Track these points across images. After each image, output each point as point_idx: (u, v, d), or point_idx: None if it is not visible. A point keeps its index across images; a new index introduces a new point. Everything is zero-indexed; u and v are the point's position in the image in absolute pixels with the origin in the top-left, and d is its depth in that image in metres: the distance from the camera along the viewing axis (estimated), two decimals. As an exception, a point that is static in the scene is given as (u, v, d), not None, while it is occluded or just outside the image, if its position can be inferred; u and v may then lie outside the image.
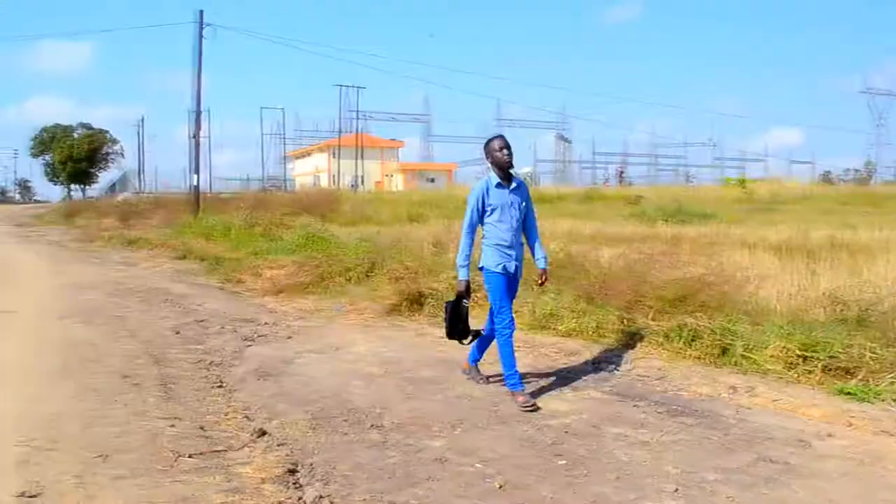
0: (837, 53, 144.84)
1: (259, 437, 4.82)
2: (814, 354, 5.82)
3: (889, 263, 9.92)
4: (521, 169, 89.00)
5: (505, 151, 5.47)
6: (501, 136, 5.61)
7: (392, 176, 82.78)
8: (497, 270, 5.50)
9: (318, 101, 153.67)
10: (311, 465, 4.33)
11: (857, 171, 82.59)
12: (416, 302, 9.07)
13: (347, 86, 78.10)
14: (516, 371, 5.57)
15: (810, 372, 5.74)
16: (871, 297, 7.03)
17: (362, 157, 75.79)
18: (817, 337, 6.02)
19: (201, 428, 4.98)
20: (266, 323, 8.83)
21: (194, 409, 5.43)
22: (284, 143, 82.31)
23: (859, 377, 5.50)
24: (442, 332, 8.07)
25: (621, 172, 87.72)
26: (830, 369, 5.72)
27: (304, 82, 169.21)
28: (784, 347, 5.97)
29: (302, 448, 4.61)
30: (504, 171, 5.52)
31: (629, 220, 23.15)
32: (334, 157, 76.64)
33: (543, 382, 6.05)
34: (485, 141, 5.64)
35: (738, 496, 3.79)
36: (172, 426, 4.96)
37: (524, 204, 5.60)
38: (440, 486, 3.96)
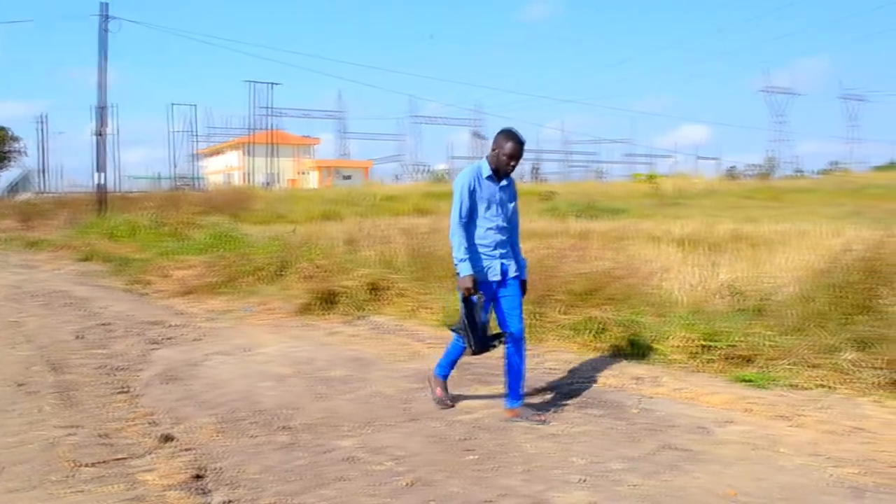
0: (742, 53, 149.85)
1: (164, 442, 4.68)
2: (715, 344, 6.03)
3: (787, 255, 10.34)
4: (436, 166, 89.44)
5: (512, 164, 4.91)
6: (520, 142, 4.90)
7: (307, 173, 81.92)
8: (480, 277, 4.87)
9: (230, 97, 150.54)
10: (218, 469, 4.24)
11: (759, 166, 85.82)
12: (327, 301, 9.00)
13: (260, 82, 76.85)
14: (446, 373, 5.39)
15: (711, 361, 5.94)
16: (768, 288, 7.33)
17: (276, 155, 74.71)
18: (718, 327, 6.24)
19: (103, 435, 4.81)
20: (174, 325, 8.61)
21: (96, 416, 5.25)
22: (196, 141, 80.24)
23: (757, 364, 5.72)
24: (354, 329, 8.06)
25: (535, 168, 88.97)
26: (730, 358, 5.93)
27: (216, 78, 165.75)
28: (687, 338, 6.16)
29: (209, 453, 4.51)
30: (501, 174, 4.96)
31: (542, 215, 23.48)
32: (247, 154, 75.30)
33: (455, 378, 6.07)
34: (502, 131, 4.95)
35: (642, 484, 3.89)
36: (72, 435, 4.79)
37: (512, 205, 5.10)
38: (349, 486, 3.94)
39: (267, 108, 77.30)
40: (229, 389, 5.89)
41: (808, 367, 5.52)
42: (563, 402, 5.34)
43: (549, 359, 6.52)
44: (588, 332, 6.77)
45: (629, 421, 4.90)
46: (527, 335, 7.05)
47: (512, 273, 5.03)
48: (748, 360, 5.82)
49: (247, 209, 27.28)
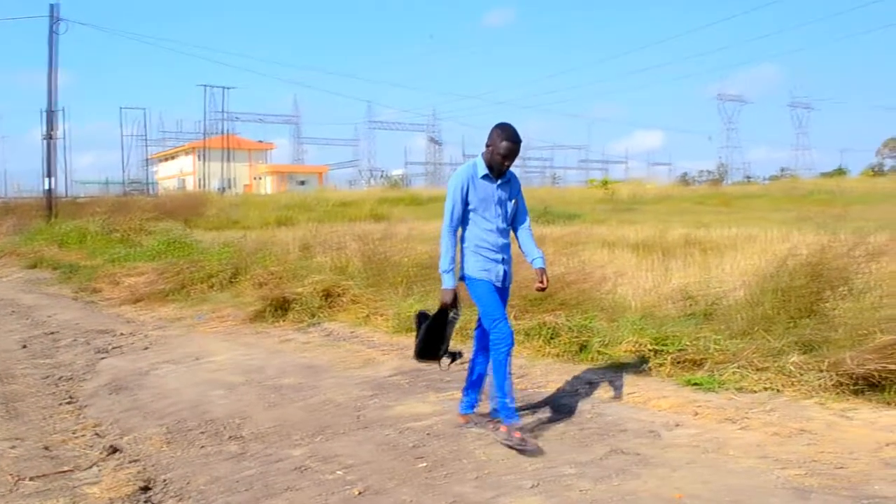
0: (694, 61, 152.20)
1: (110, 454, 4.60)
2: (665, 348, 6.09)
3: (736, 259, 10.52)
4: (392, 172, 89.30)
5: (507, 164, 4.61)
6: (516, 140, 4.58)
7: (261, 178, 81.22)
8: (483, 278, 4.66)
9: (183, 101, 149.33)
10: (166, 481, 4.17)
11: (710, 172, 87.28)
12: (280, 308, 8.91)
13: (213, 86, 76.05)
14: (512, 397, 4.63)
15: (662, 365, 5.99)
16: (717, 292, 7.44)
17: (230, 160, 73.96)
18: (668, 331, 6.31)
19: (46, 448, 4.71)
20: (122, 333, 8.46)
21: (40, 427, 5.14)
22: (148, 145, 79.05)
23: (706, 368, 5.79)
24: (307, 337, 7.99)
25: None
26: (680, 362, 5.99)
27: (169, 82, 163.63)
28: (637, 342, 6.21)
29: (156, 464, 4.44)
30: (494, 173, 4.65)
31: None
32: (201, 159, 74.44)
33: (408, 385, 6.06)
34: (498, 126, 4.63)
35: (592, 488, 3.90)
36: (14, 447, 4.68)
37: (514, 201, 4.78)
38: (299, 496, 3.90)
39: (221, 112, 76.56)
40: (178, 399, 5.80)
41: (755, 370, 5.60)
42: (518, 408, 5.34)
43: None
44: (540, 337, 6.80)
45: (581, 426, 4.92)
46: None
47: (508, 282, 4.82)
48: (697, 364, 5.89)
49: (200, 215, 26.96)
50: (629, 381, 5.85)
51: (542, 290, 4.95)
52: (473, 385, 5.00)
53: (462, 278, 4.73)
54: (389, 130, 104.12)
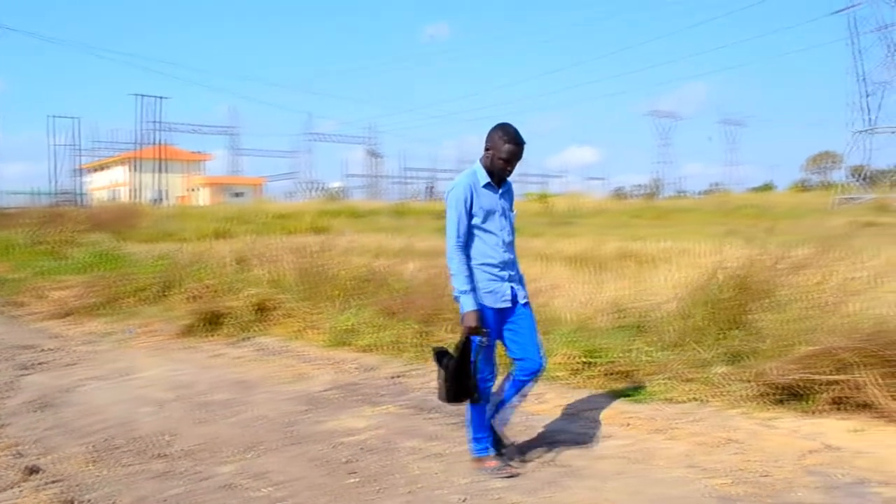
0: (629, 78, 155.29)
1: (29, 475, 4.44)
2: (596, 360, 6.16)
3: (669, 272, 10.70)
4: (331, 184, 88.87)
5: (509, 169, 4.22)
6: (519, 143, 4.18)
7: (197, 190, 79.96)
8: (487, 303, 4.18)
9: (116, 111, 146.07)
10: (88, 501, 4.06)
11: (645, 186, 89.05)
12: (212, 322, 8.76)
13: (148, 95, 74.69)
14: (486, 435, 4.42)
15: (593, 377, 6.07)
16: (649, 304, 7.56)
17: (165, 171, 72.76)
18: (600, 343, 6.38)
19: (-38, 469, 4.53)
20: (47, 349, 8.20)
21: (-45, 448, 4.94)
22: (79, 155, 77.14)
23: (636, 379, 5.88)
24: (239, 351, 7.85)
25: (430, 187, 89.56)
26: (611, 373, 6.06)
27: (101, 91, 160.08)
28: (570, 354, 6.27)
29: (79, 484, 4.30)
30: (495, 179, 4.27)
31: (435, 234, 23.58)
32: (134, 170, 73.01)
33: (342, 399, 6.01)
34: (498, 127, 4.22)
35: (523, 501, 3.92)
36: (-74, 469, 4.49)
37: (514, 214, 4.42)
38: (226, 514, 3.83)
39: (155, 122, 75.14)
40: (104, 416, 5.64)
41: (683, 381, 5.71)
42: (448, 422, 5.34)
43: (434, 378, 6.49)
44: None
45: (512, 439, 4.93)
46: (414, 354, 7.14)
47: (522, 298, 4.34)
48: (628, 376, 5.98)
49: (133, 227, 26.32)
50: (561, 393, 5.90)
51: None
52: (508, 395, 4.54)
53: (456, 299, 4.19)
54: (328, 142, 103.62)
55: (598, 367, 6.11)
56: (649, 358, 6.01)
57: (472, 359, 4.14)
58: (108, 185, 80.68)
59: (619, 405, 5.55)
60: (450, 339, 7.10)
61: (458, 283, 4.11)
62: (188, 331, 8.71)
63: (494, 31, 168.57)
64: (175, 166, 77.68)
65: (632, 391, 5.78)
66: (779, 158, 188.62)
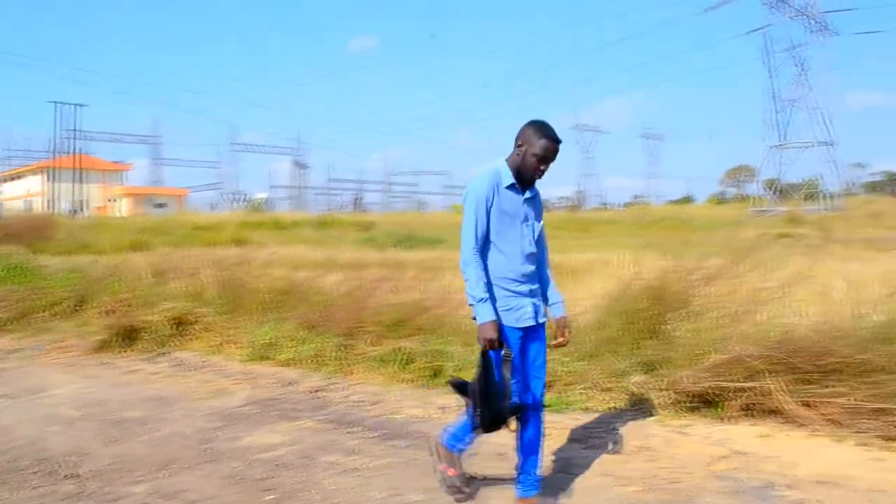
0: (553, 92, 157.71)
1: (-74, 499, 4.25)
2: (516, 371, 6.22)
3: (590, 283, 10.88)
4: (255, 195, 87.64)
5: (542, 168, 3.75)
6: (556, 139, 3.75)
7: (117, 201, 77.91)
8: (505, 322, 3.71)
9: (31, 118, 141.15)
10: (-10, 526, 3.90)
11: (569, 198, 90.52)
12: (128, 337, 8.53)
13: (65, 103, 72.42)
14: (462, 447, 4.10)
15: (513, 387, 6.12)
16: (570, 315, 7.66)
17: (83, 181, 70.66)
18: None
19: None
20: (-49, 368, 7.86)
21: None
22: (-10, 164, 74.42)
23: (555, 390, 5.95)
24: (155, 367, 7.66)
25: (356, 199, 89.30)
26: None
27: (16, 97, 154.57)
28: (490, 366, 6.31)
29: (-19, 508, 4.14)
30: (526, 180, 3.81)
31: (361, 246, 23.53)
32: (50, 179, 70.68)
33: (259, 415, 5.92)
34: (532, 123, 3.78)
35: (441, 514, 3.93)
36: None
37: (540, 224, 3.94)
38: (136, 535, 3.73)
39: (73, 130, 72.88)
40: (11, 436, 5.43)
41: (601, 390, 5.82)
42: (368, 435, 5.32)
43: (355, 391, 6.49)
44: (395, 363, 6.82)
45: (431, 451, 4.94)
46: (335, 368, 7.09)
47: (542, 317, 3.91)
48: (547, 386, 6.02)
49: (47, 238, 25.46)
50: (481, 404, 5.92)
51: (562, 345, 4.06)
52: (527, 452, 3.99)
53: (474, 319, 3.73)
54: (254, 153, 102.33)
55: (518, 378, 6.16)
56: (567, 368, 6.10)
57: (498, 378, 3.65)
58: (21, 195, 77.84)
59: (537, 415, 5.60)
60: (371, 353, 7.10)
61: (474, 290, 3.64)
62: (103, 346, 8.46)
63: (422, 44, 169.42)
64: (94, 176, 75.50)
65: (550, 401, 5.83)
66: (698, 171, 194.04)
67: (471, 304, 3.68)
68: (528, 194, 3.82)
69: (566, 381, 6.00)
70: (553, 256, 13.38)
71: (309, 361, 7.30)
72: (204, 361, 7.88)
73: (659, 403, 5.52)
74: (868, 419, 4.96)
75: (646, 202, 78.07)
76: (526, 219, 3.80)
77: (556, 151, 3.75)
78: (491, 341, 3.60)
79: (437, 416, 5.77)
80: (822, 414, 5.10)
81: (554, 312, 4.03)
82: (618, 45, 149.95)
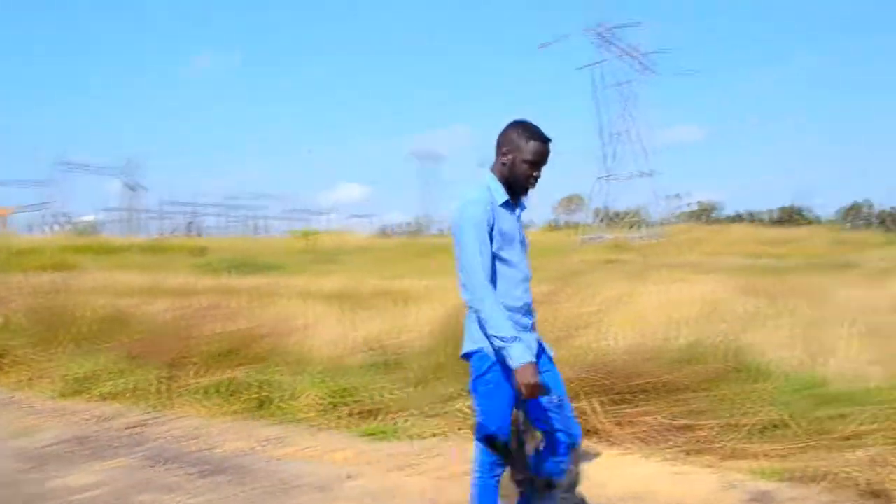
0: (394, 118, 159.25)
1: None
2: (344, 399, 6.20)
3: (425, 309, 11.00)
4: (83, 217, 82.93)
5: (535, 175, 3.33)
6: (544, 138, 3.31)
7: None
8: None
9: None
10: None
11: (410, 224, 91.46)
12: None
13: None
14: None
15: (341, 417, 6.09)
16: (401, 342, 7.73)
17: None
18: (349, 382, 6.42)
19: None
20: None
21: None
22: None
23: (382, 418, 5.98)
24: None
25: (190, 222, 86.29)
26: (359, 413, 6.11)
27: None
28: (318, 395, 6.26)
29: None
30: (517, 190, 3.37)
31: (194, 271, 22.71)
32: None
33: (72, 454, 5.58)
34: (516, 124, 3.34)
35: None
36: None
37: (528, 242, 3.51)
38: None
39: None
40: None
41: (427, 417, 5.89)
42: (188, 472, 5.13)
43: (176, 426, 6.23)
44: (219, 394, 6.63)
45: (253, 485, 4.82)
46: (156, 402, 6.79)
47: (550, 350, 3.53)
48: (374, 414, 6.06)
49: None
50: (307, 434, 5.86)
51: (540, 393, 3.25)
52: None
53: (467, 357, 3.34)
54: (84, 173, 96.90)
55: (346, 407, 6.14)
56: (395, 395, 6.14)
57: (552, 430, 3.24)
58: None
59: (364, 444, 5.60)
60: (196, 384, 6.86)
61: (500, 328, 3.07)
62: None
63: (263, 65, 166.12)
64: None
65: (378, 429, 5.85)
66: (535, 199, 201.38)
67: (500, 346, 3.08)
68: (519, 209, 3.39)
69: (394, 409, 6.03)
70: (389, 282, 13.54)
71: (128, 395, 6.95)
72: (11, 398, 7.33)
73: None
74: (674, 435, 5.30)
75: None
76: (522, 239, 3.38)
77: (548, 153, 3.32)
78: (534, 387, 3.06)
79: (262, 448, 5.65)
80: (633, 432, 5.39)
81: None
82: (460, 74, 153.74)
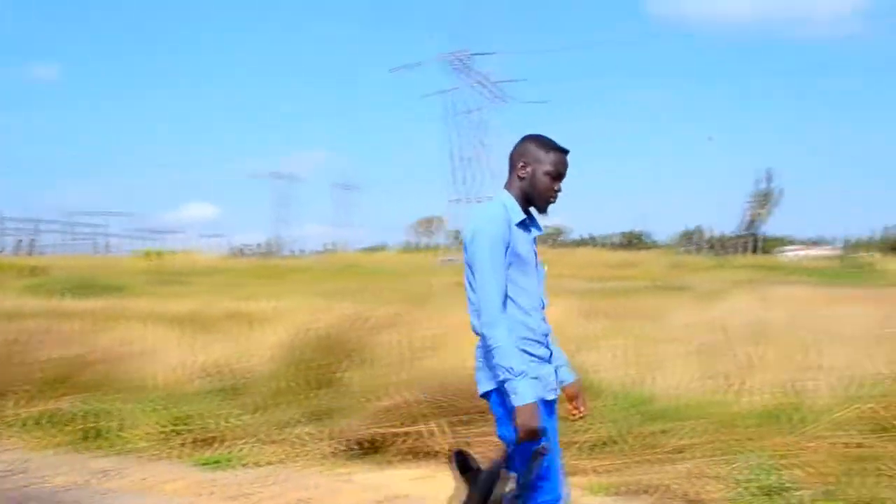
0: (251, 138, 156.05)
1: None
2: (183, 427, 6.02)
3: (272, 332, 10.80)
4: None
5: (557, 188, 3.04)
6: (563, 148, 3.06)
7: None
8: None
9: None
10: None
11: (262, 245, 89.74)
12: None
13: None
14: None
15: (180, 446, 5.90)
16: (246, 366, 7.57)
17: None
18: (190, 409, 6.24)
19: None
20: None
21: None
22: None
23: (221, 446, 5.84)
24: None
25: (20, 240, 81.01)
26: (199, 441, 5.94)
27: None
28: (157, 424, 6.05)
29: None
30: (541, 206, 3.07)
31: (24, 293, 21.34)
32: None
33: None
34: (527, 138, 3.10)
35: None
36: None
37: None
38: None
39: None
40: None
41: (269, 443, 5.81)
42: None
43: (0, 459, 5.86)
44: (46, 425, 6.27)
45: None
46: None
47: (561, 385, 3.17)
48: (214, 442, 5.90)
49: None
50: (143, 465, 5.65)
51: (582, 417, 3.32)
52: None
53: (486, 395, 2.99)
54: None
55: (186, 435, 5.96)
56: (235, 422, 6.02)
57: (526, 479, 2.83)
58: None
59: (201, 474, 5.45)
60: (22, 415, 6.46)
61: (510, 360, 2.77)
62: None
63: (106, 77, 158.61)
64: None
65: (218, 458, 5.71)
66: (393, 221, 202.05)
67: (507, 380, 2.76)
68: (534, 231, 3.07)
69: (234, 436, 5.91)
70: (239, 304, 13.23)
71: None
72: None
73: (326, 453, 5.63)
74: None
75: (338, 249, 79.60)
76: (537, 263, 3.08)
77: (567, 164, 3.06)
78: (534, 432, 2.76)
79: (96, 480, 5.39)
80: (479, 453, 5.49)
81: (562, 377, 3.18)
82: (314, 97, 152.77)
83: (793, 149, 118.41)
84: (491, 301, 2.82)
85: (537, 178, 2.99)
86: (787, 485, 4.60)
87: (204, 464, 5.62)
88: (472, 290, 2.91)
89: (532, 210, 3.06)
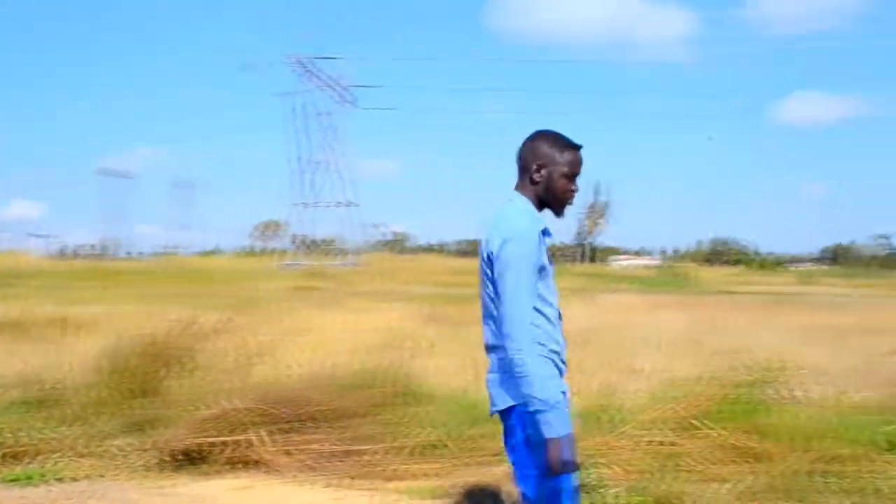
0: (82, 135, 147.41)
1: None
2: (-14, 443, 5.60)
3: (96, 339, 10.23)
4: None
5: (573, 189, 2.83)
6: (578, 145, 2.83)
7: None
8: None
9: None
10: None
11: (94, 246, 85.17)
12: None
13: None
14: None
15: (-21, 463, 5.49)
16: (60, 375, 7.12)
17: None
18: (0, 422, 5.82)
19: None
20: None
21: None
22: None
23: (29, 461, 5.47)
24: None
25: None
26: (10, 455, 5.54)
27: None
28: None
29: None
30: (558, 210, 2.86)
31: None
32: None
33: None
34: (536, 136, 2.84)
35: None
36: None
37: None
38: None
39: None
40: None
41: (86, 456, 5.50)
42: None
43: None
44: None
45: None
46: None
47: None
48: (20, 458, 5.52)
49: None
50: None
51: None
52: None
53: (501, 412, 2.74)
54: None
55: (-10, 450, 5.55)
56: (45, 435, 5.65)
57: None
58: None
59: (5, 492, 5.09)
60: None
61: (545, 391, 2.54)
62: None
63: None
64: None
65: (29, 473, 5.34)
66: (230, 224, 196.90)
67: (539, 409, 2.53)
68: (548, 238, 2.81)
69: (44, 450, 5.54)
70: (61, 309, 12.51)
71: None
72: None
73: (143, 465, 5.40)
74: (339, 461, 5.44)
75: (174, 252, 76.61)
76: (552, 271, 2.84)
77: (582, 161, 2.84)
78: (569, 465, 2.55)
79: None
80: (300, 460, 5.44)
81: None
82: (152, 94, 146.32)
83: (621, 164, 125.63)
84: (522, 320, 2.59)
85: (554, 180, 2.78)
86: (600, 482, 4.83)
87: (10, 480, 5.24)
88: (493, 302, 2.73)
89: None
